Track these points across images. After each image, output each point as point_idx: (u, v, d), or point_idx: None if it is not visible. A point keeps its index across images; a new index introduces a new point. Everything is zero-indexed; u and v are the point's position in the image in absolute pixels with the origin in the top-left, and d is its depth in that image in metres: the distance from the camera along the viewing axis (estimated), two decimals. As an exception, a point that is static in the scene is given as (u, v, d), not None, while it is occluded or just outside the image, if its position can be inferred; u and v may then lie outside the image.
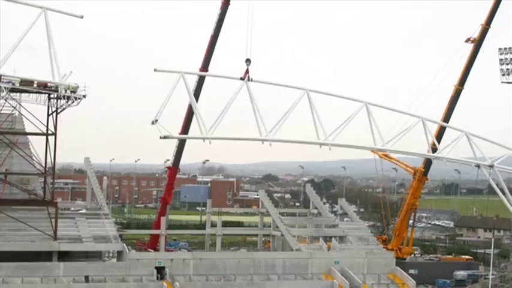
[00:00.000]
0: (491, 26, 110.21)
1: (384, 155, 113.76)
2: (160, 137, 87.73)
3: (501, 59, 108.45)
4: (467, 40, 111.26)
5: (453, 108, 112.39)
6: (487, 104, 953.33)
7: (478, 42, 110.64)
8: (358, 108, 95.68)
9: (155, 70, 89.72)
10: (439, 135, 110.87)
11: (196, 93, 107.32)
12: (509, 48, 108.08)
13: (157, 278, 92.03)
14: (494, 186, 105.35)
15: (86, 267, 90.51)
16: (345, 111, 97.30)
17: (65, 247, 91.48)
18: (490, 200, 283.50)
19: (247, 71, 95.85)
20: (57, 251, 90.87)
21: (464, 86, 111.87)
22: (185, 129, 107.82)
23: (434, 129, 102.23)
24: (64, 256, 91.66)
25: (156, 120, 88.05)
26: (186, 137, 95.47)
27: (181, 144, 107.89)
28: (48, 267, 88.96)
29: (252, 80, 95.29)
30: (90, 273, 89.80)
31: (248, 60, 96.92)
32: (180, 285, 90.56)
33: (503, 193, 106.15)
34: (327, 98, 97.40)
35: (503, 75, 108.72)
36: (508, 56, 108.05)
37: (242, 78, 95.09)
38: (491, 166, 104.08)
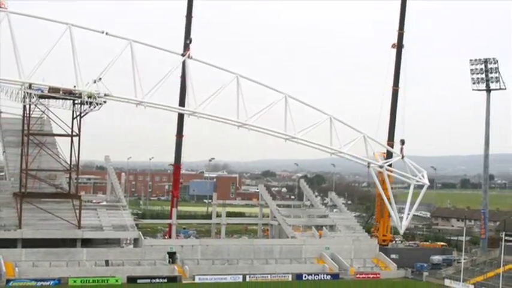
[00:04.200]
0: (404, 30, 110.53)
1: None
2: (99, 96, 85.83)
3: (472, 69, 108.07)
4: (393, 46, 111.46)
5: (395, 106, 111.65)
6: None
7: (399, 47, 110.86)
8: (279, 99, 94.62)
9: (106, 34, 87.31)
10: (391, 135, 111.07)
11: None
12: (479, 59, 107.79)
13: (169, 262, 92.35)
14: (378, 184, 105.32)
15: (106, 252, 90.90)
16: (268, 99, 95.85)
17: (87, 235, 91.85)
18: (462, 193, 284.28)
19: (188, 49, 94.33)
20: (81, 238, 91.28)
21: (399, 85, 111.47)
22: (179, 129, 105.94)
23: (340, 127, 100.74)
24: (87, 243, 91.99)
25: (100, 79, 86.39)
26: (122, 100, 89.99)
27: (178, 145, 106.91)
28: (73, 253, 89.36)
29: (191, 58, 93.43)
30: (110, 257, 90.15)
31: (189, 39, 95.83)
32: (189, 268, 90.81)
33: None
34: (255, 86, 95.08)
35: (473, 83, 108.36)
36: (478, 67, 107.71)
37: (183, 55, 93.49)
38: (381, 166, 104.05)
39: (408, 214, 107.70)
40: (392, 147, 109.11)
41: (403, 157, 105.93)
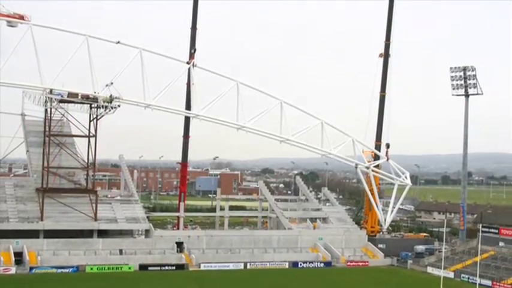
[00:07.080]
0: (391, 40, 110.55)
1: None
2: (107, 99, 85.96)
3: (452, 76, 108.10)
4: (380, 55, 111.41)
5: (383, 110, 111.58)
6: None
7: (386, 56, 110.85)
8: (274, 104, 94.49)
9: (118, 42, 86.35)
10: (378, 136, 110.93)
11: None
12: (459, 67, 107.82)
13: (177, 251, 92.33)
14: (365, 183, 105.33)
15: (120, 242, 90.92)
16: (265, 104, 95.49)
17: (103, 226, 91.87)
18: (443, 189, 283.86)
19: (192, 57, 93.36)
20: (97, 229, 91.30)
21: (386, 91, 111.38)
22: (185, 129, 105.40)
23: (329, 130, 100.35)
24: (102, 234, 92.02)
25: (112, 83, 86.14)
26: (132, 103, 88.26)
27: (185, 145, 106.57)
28: (90, 243, 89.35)
29: (195, 66, 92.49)
30: (123, 247, 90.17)
31: (193, 49, 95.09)
32: (196, 257, 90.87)
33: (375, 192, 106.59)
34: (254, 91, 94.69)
35: (453, 89, 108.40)
36: (457, 74, 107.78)
37: (188, 63, 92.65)
38: (367, 167, 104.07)
39: (392, 210, 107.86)
40: (379, 147, 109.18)
41: (388, 159, 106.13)
